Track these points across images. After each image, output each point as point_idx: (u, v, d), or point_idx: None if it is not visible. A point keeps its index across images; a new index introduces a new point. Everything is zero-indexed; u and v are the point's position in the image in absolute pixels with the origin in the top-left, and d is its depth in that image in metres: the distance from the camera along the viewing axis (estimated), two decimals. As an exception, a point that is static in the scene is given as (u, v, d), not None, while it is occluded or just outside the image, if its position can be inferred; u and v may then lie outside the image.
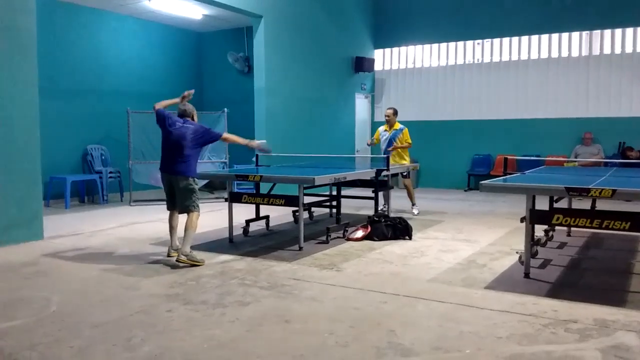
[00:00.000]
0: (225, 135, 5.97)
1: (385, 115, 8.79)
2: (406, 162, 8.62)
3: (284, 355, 3.11)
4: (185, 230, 5.25)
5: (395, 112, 8.76)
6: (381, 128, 8.87)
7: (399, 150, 8.54)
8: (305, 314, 3.82)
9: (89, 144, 10.33)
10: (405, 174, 8.61)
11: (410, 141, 8.63)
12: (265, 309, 3.94)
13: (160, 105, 5.71)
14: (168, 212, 5.68)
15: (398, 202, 9.26)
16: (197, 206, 5.42)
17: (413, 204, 8.69)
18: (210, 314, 3.82)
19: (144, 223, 7.66)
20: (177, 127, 5.48)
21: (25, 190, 6.24)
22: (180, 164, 5.39)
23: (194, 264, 5.13)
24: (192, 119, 5.69)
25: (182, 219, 5.55)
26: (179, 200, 5.44)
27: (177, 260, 5.15)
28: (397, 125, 8.66)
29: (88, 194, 10.04)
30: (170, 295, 4.25)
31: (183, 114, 5.67)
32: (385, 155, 7.91)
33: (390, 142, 8.55)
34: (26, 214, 6.26)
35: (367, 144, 9.45)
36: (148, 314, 3.83)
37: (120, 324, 3.62)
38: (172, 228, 5.64)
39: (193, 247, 5.94)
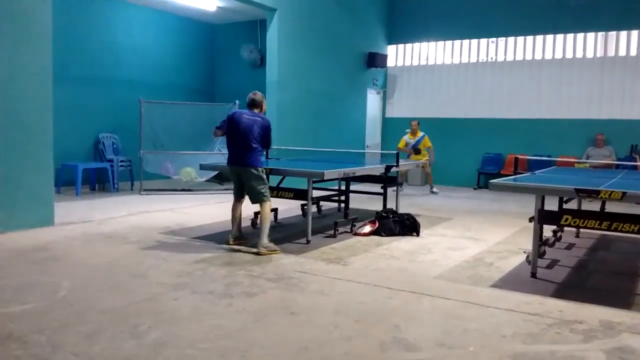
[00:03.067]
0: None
1: (412, 125, 11.10)
2: (425, 158, 10.78)
3: (288, 347, 3.13)
4: (262, 222, 5.48)
5: (418, 123, 11.14)
6: (406, 137, 11.04)
7: (422, 150, 10.92)
8: (310, 307, 3.85)
9: (101, 132, 10.40)
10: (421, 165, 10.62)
11: (430, 144, 10.98)
12: (272, 300, 3.97)
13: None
14: (235, 200, 5.76)
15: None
16: (268, 195, 5.56)
17: (431, 186, 11.12)
18: (217, 303, 3.85)
19: (154, 212, 7.72)
20: (244, 118, 5.46)
21: (37, 176, 6.30)
22: (248, 155, 5.42)
23: (272, 253, 5.35)
24: (261, 110, 5.67)
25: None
26: (249, 191, 5.54)
27: (257, 253, 5.30)
28: (419, 133, 10.97)
29: (99, 182, 10.12)
30: (177, 284, 4.29)
31: (252, 104, 5.62)
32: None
33: (414, 147, 10.88)
34: (37, 200, 6.32)
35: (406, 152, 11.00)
36: (155, 301, 3.87)
37: (127, 311, 3.67)
38: (234, 218, 5.72)
39: (201, 238, 6.01)
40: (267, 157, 7.19)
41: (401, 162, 7.44)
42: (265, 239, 5.37)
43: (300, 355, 3.03)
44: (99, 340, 3.16)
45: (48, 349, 3.02)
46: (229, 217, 5.78)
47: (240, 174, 5.51)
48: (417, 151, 10.85)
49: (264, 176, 5.57)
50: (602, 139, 10.91)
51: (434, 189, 11.03)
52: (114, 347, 3.06)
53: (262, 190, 5.47)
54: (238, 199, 5.72)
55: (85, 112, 10.18)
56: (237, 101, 10.26)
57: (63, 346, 3.05)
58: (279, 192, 6.13)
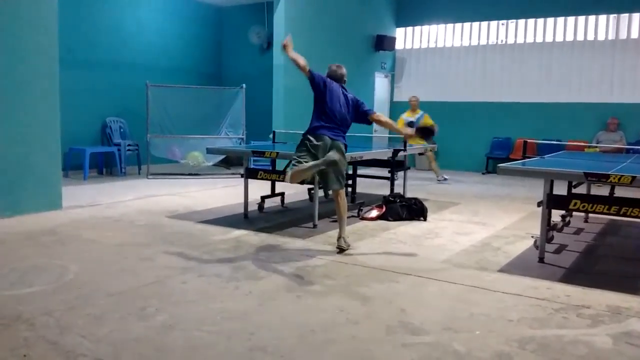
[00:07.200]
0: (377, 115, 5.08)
1: (411, 101, 10.33)
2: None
3: (294, 330, 3.14)
4: (343, 213, 4.86)
5: (418, 99, 10.40)
6: (404, 115, 10.29)
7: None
8: (317, 291, 3.85)
9: (108, 117, 10.41)
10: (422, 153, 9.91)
11: (432, 122, 9.84)
12: (278, 283, 3.98)
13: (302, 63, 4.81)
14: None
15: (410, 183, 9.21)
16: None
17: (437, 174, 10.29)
18: (224, 286, 3.87)
19: (161, 196, 7.74)
20: (339, 89, 4.91)
21: (45, 160, 6.32)
22: (342, 130, 4.88)
23: (350, 247, 4.90)
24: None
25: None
26: (333, 172, 4.76)
27: (341, 250, 4.77)
28: (419, 111, 10.24)
29: (106, 166, 10.15)
30: (185, 267, 4.30)
31: (341, 78, 5.04)
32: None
33: (413, 124, 9.67)
34: (45, 184, 6.35)
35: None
36: (163, 284, 3.89)
37: (135, 293, 3.69)
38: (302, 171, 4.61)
39: (208, 222, 6.03)
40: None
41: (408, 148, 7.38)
42: (345, 233, 4.85)
43: (306, 338, 3.04)
44: (106, 322, 3.18)
45: (56, 330, 3.04)
46: (237, 201, 5.73)
47: (330, 148, 4.71)
48: (410, 124, 9.81)
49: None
50: (614, 123, 10.77)
51: (441, 177, 10.30)
52: (121, 329, 3.08)
53: (344, 174, 4.87)
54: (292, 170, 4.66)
55: (92, 96, 10.18)
56: (243, 85, 10.23)
57: (71, 328, 3.07)
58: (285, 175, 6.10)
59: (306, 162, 4.64)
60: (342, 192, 4.93)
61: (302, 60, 4.80)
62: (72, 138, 9.21)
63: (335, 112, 4.82)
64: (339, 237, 4.88)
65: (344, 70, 5.08)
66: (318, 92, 4.85)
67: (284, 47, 4.79)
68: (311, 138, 4.79)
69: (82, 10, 10.03)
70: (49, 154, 6.37)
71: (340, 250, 4.82)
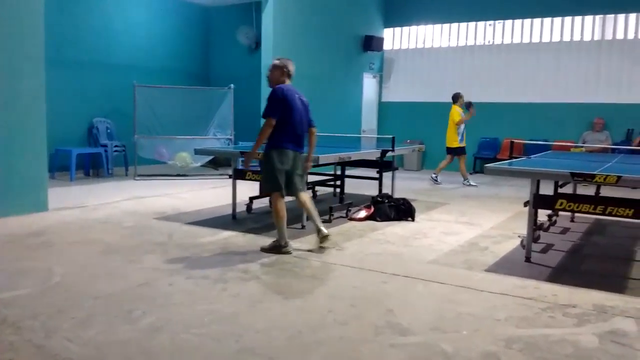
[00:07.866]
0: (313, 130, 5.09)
1: (462, 96, 10.26)
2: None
3: (282, 331, 3.14)
4: (311, 210, 4.98)
5: None
6: (458, 108, 10.18)
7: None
8: (305, 292, 3.85)
9: (95, 117, 10.32)
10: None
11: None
12: (266, 285, 3.97)
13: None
14: (283, 198, 4.90)
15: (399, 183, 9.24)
16: None
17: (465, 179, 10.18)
18: (212, 288, 3.85)
19: (148, 197, 7.69)
20: (296, 97, 4.86)
21: (31, 161, 6.26)
22: (304, 139, 4.99)
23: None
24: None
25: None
26: (301, 180, 4.98)
27: (322, 246, 4.92)
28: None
29: (93, 167, 10.06)
30: (172, 269, 4.28)
31: (290, 76, 4.97)
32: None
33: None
34: (31, 185, 6.28)
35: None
36: (150, 287, 3.87)
37: (122, 296, 3.66)
38: (284, 219, 4.90)
39: (196, 223, 6.00)
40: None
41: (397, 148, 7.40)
42: (320, 223, 4.96)
43: (295, 339, 3.04)
44: (93, 325, 3.15)
45: (42, 334, 3.01)
46: (225, 202, 5.74)
47: (295, 161, 4.87)
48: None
49: None
50: (600, 123, 10.87)
51: (468, 181, 10.07)
52: (108, 332, 3.06)
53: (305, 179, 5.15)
54: (284, 195, 4.89)
55: (79, 96, 10.09)
56: (232, 85, 10.20)
57: (57, 331, 3.05)
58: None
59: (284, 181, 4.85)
60: (305, 193, 5.08)
61: (263, 134, 4.78)
62: (59, 139, 9.13)
63: (296, 124, 4.83)
64: (318, 230, 4.94)
65: (294, 67, 5.02)
66: (282, 113, 4.76)
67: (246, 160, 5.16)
68: (278, 154, 4.79)
69: (69, 10, 9.93)
70: (35, 154, 6.31)
71: (324, 238, 4.88)
